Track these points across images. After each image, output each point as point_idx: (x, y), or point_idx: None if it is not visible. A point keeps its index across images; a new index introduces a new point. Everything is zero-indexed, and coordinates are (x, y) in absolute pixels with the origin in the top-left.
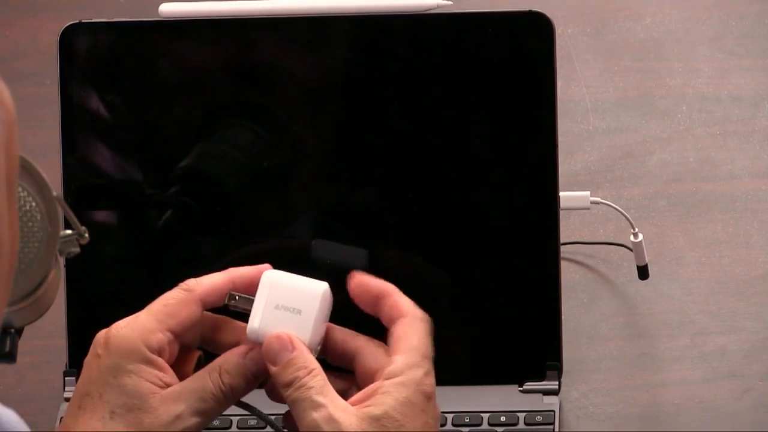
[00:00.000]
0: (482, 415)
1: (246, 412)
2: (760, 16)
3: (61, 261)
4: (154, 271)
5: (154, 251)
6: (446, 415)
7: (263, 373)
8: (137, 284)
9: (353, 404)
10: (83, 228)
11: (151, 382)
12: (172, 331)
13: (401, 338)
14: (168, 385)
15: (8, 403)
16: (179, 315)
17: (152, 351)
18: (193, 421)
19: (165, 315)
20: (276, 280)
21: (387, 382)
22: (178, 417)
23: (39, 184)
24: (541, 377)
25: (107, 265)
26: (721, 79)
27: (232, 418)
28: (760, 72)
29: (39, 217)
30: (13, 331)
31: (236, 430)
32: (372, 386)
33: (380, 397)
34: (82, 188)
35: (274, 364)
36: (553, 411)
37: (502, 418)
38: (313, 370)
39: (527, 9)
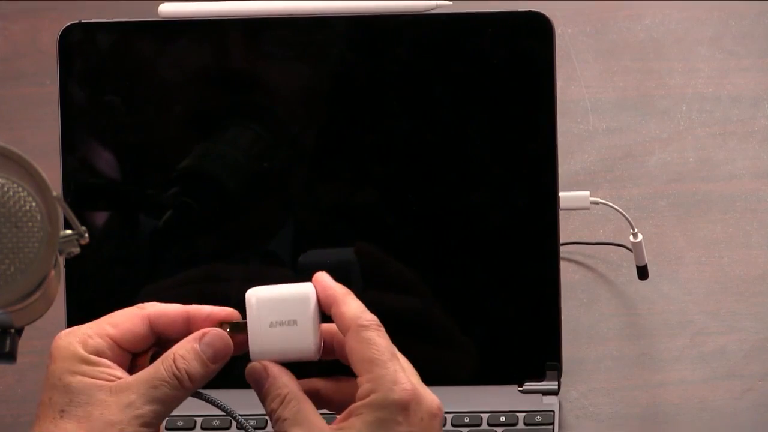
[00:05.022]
0: (482, 415)
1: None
2: (759, 16)
3: (61, 261)
4: (154, 271)
5: (154, 251)
6: (446, 415)
7: (221, 356)
8: (137, 284)
9: (336, 423)
10: (83, 228)
11: (97, 378)
12: (112, 338)
13: (354, 357)
14: (119, 379)
15: (8, 403)
16: (121, 325)
17: (90, 353)
18: (147, 408)
19: (107, 324)
20: (261, 298)
21: (358, 405)
22: (129, 405)
23: (39, 184)
24: (540, 377)
25: (107, 265)
26: (720, 79)
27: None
28: (759, 72)
29: (39, 217)
30: (13, 331)
31: (236, 430)
32: (349, 408)
33: (352, 420)
34: (82, 188)
35: (258, 394)
36: (553, 411)
37: (502, 418)
38: (285, 396)
39: (527, 9)
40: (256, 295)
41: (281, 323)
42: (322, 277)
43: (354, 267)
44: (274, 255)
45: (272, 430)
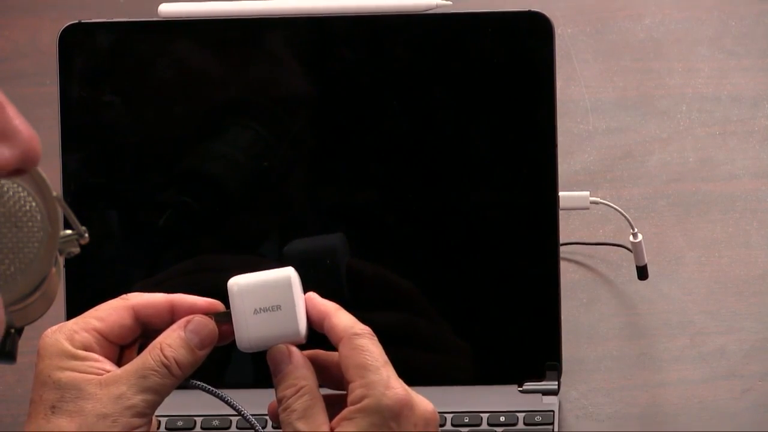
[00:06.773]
0: (482, 415)
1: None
2: (759, 16)
3: (61, 261)
4: (154, 271)
5: (154, 251)
6: (446, 415)
7: (207, 343)
8: (137, 284)
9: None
10: (83, 228)
11: (86, 372)
12: (98, 332)
13: (347, 363)
14: (108, 372)
15: (8, 403)
16: (107, 318)
17: (78, 348)
18: (138, 399)
19: (92, 318)
20: (243, 286)
21: (351, 409)
22: (119, 396)
23: (39, 184)
24: (540, 377)
25: (107, 265)
26: (720, 79)
27: (231, 418)
28: (759, 72)
29: (39, 217)
30: (13, 331)
31: (236, 430)
32: (342, 413)
33: (345, 424)
34: (82, 188)
35: (275, 376)
36: (553, 411)
37: (502, 418)
38: (301, 388)
39: (527, 9)
40: (237, 283)
41: (265, 309)
42: (313, 296)
43: (338, 252)
44: (273, 254)
45: (271, 429)
